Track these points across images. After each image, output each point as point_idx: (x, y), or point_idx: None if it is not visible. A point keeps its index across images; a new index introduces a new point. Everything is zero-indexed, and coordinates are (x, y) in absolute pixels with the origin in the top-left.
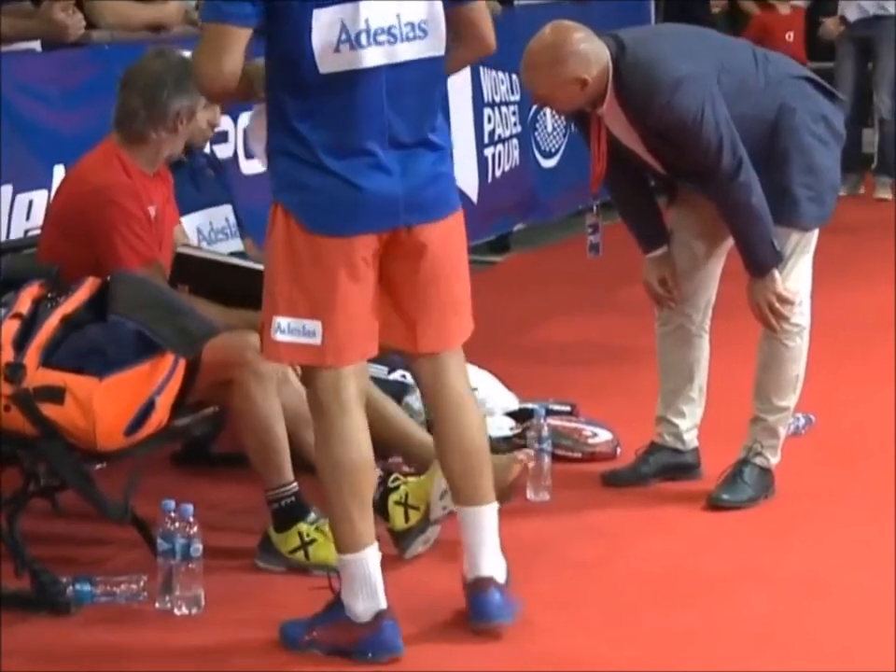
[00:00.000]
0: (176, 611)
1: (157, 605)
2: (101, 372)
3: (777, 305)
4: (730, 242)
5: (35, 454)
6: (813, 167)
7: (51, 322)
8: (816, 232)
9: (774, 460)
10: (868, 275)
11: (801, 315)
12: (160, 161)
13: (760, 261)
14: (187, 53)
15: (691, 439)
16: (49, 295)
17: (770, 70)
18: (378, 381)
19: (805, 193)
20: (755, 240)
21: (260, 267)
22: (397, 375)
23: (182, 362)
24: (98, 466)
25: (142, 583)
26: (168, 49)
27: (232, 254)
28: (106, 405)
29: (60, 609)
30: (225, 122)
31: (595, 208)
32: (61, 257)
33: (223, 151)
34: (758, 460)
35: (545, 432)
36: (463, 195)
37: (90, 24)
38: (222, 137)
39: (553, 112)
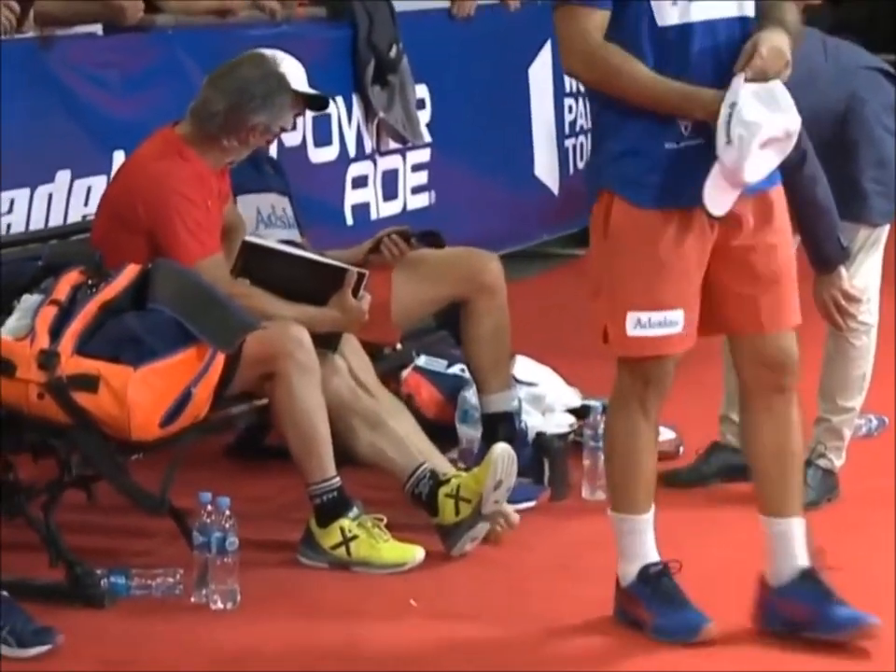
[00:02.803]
0: (212, 605)
1: (192, 598)
2: (136, 361)
3: (844, 303)
4: (796, 239)
5: (68, 443)
6: (883, 160)
7: (89, 309)
8: (886, 228)
9: (838, 462)
10: None
11: (868, 313)
12: (222, 164)
13: (826, 256)
14: (281, 58)
15: None
16: (90, 282)
17: (842, 59)
18: (437, 374)
19: (874, 187)
20: (821, 235)
21: (327, 261)
22: (456, 370)
23: (221, 354)
24: (135, 457)
25: (178, 576)
26: (268, 57)
27: (289, 243)
28: (141, 395)
29: (94, 602)
30: None
31: None
32: (114, 244)
33: (291, 139)
34: (821, 462)
35: (601, 429)
36: (543, 187)
37: (153, 9)
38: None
39: None
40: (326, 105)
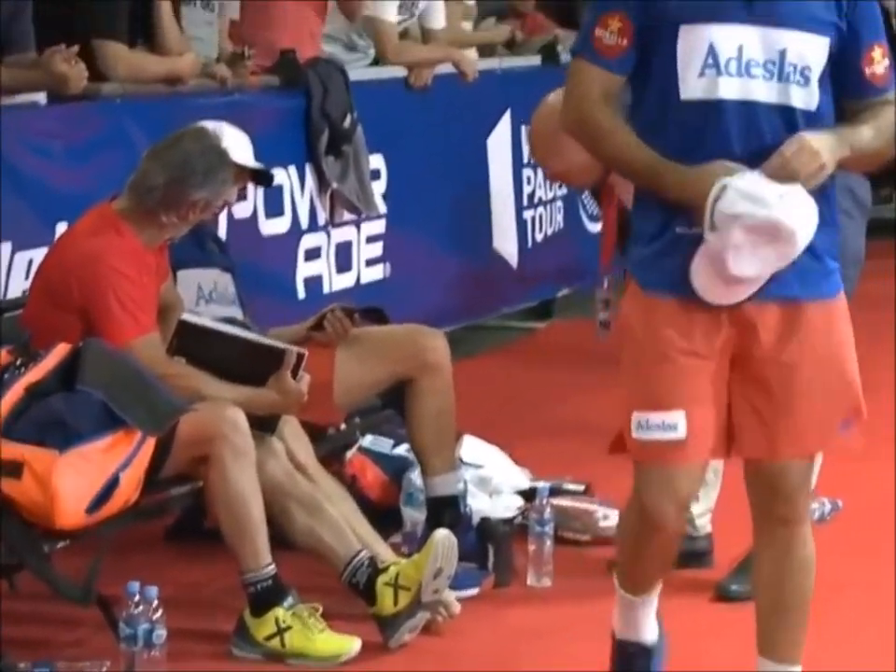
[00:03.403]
0: None
1: None
2: (62, 446)
3: None
4: None
5: None
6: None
7: (15, 391)
8: None
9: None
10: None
11: None
12: (160, 241)
13: None
14: (225, 131)
15: (704, 524)
16: (18, 362)
17: None
18: (382, 455)
19: None
20: None
21: (265, 340)
22: (401, 450)
23: (150, 437)
24: (61, 544)
25: (104, 669)
26: (210, 131)
27: (229, 320)
28: (66, 480)
29: None
30: None
31: (605, 283)
32: (46, 321)
33: (242, 210)
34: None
35: (547, 514)
36: (502, 259)
37: (99, 76)
38: (241, 196)
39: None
40: (271, 180)
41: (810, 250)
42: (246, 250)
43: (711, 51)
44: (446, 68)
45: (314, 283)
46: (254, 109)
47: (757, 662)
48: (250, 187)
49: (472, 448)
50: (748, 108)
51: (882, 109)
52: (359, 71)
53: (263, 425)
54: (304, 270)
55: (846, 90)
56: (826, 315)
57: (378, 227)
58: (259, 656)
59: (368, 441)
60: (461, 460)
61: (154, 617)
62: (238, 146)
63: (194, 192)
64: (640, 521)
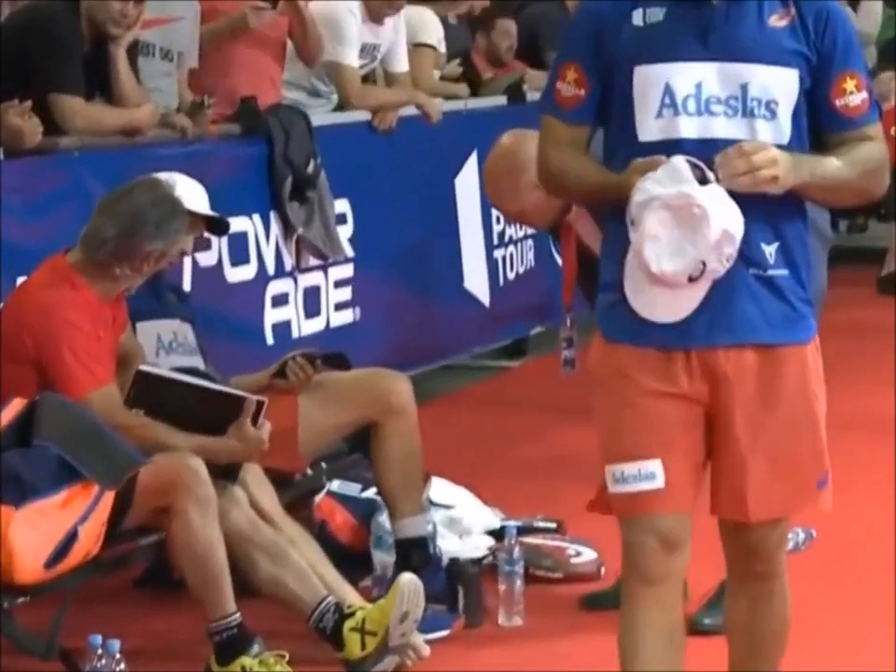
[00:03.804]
0: None
1: None
2: (18, 501)
3: None
4: None
5: None
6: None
7: None
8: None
9: None
10: (869, 378)
11: None
12: (115, 293)
13: None
14: (177, 181)
15: None
16: None
17: None
18: (350, 499)
19: None
20: None
21: (224, 389)
22: (370, 493)
23: (109, 490)
24: (21, 600)
25: None
26: (162, 181)
27: (189, 370)
28: (23, 536)
29: None
30: None
31: (568, 321)
32: (2, 376)
33: (206, 259)
34: None
35: (516, 553)
36: (474, 299)
37: (56, 129)
38: (205, 244)
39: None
40: (227, 228)
41: (778, 294)
42: (212, 298)
43: (668, 91)
44: (411, 110)
45: (282, 328)
46: (215, 158)
47: None
48: (214, 236)
49: (442, 489)
50: (708, 146)
51: (857, 144)
52: (323, 115)
53: (225, 473)
54: (272, 316)
55: (820, 123)
56: (800, 364)
57: (346, 271)
58: None
59: (336, 485)
60: (430, 501)
61: (117, 669)
62: (192, 194)
63: (147, 244)
64: (633, 579)
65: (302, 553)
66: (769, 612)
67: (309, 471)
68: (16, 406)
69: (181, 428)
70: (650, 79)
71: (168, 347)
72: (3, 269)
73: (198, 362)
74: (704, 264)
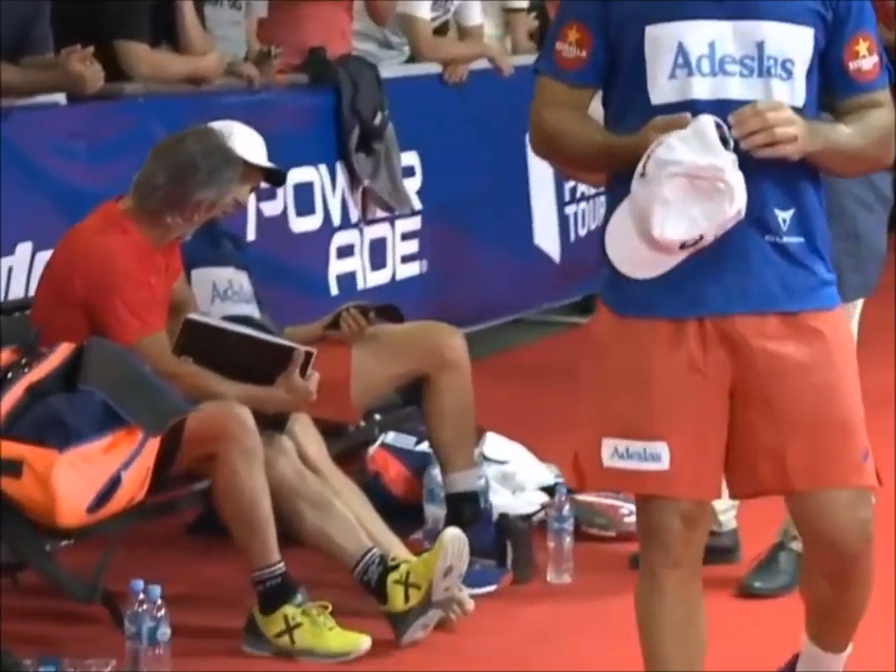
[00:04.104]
0: None
1: None
2: (62, 445)
3: None
4: None
5: None
6: (855, 233)
7: (16, 391)
8: (859, 303)
9: None
10: None
11: None
12: (167, 240)
13: None
14: (234, 131)
15: (728, 520)
16: (23, 361)
17: None
18: (405, 452)
19: (846, 261)
20: None
21: (273, 339)
22: (425, 446)
23: (156, 436)
24: (64, 543)
25: (109, 668)
26: (215, 130)
27: (244, 318)
28: (67, 480)
29: None
30: None
31: None
32: (53, 319)
33: (271, 209)
34: (794, 545)
35: (566, 510)
36: (544, 255)
37: (122, 76)
38: (270, 194)
39: None
40: (284, 179)
41: (794, 261)
42: (277, 248)
43: (681, 50)
44: (482, 64)
45: (347, 280)
46: (282, 107)
47: (802, 642)
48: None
49: (496, 444)
50: (722, 107)
51: (869, 110)
52: (394, 67)
53: (273, 423)
54: (337, 267)
55: (831, 87)
56: (831, 329)
57: (413, 223)
58: (269, 654)
59: (391, 437)
60: (484, 456)
61: (158, 615)
62: (249, 144)
63: (198, 193)
64: (642, 590)
65: (349, 505)
66: (853, 591)
67: (362, 423)
68: (64, 350)
69: (229, 377)
70: (661, 39)
71: (223, 295)
72: (66, 213)
73: (253, 311)
74: (702, 237)
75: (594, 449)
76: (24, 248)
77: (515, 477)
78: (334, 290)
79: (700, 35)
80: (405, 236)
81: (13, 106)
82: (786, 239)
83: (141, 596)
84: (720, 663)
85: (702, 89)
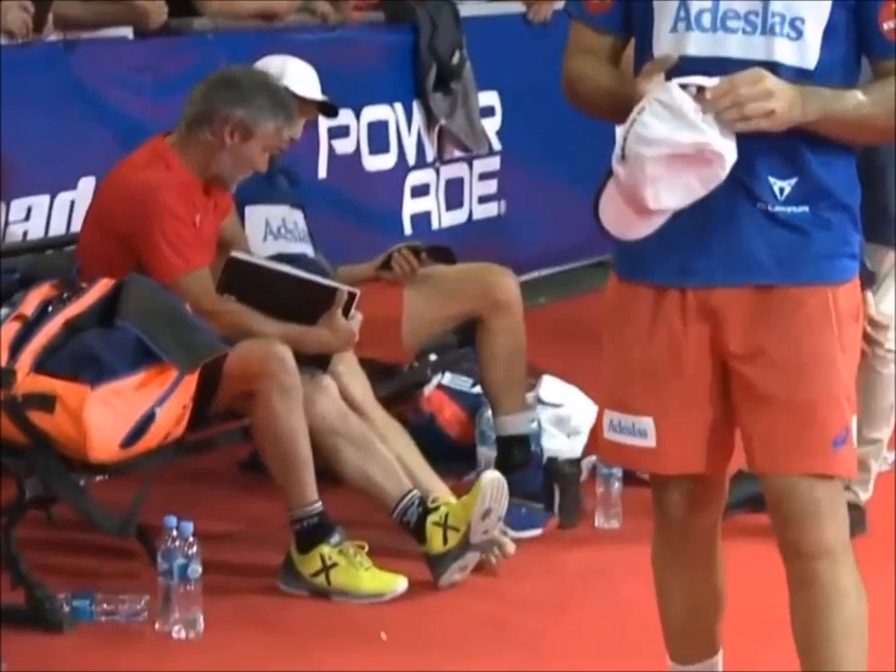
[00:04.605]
0: (174, 634)
1: (156, 626)
2: (94, 380)
3: (870, 330)
4: None
5: (26, 464)
6: None
7: (53, 325)
8: None
9: (864, 496)
10: None
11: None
12: (208, 170)
13: None
14: (288, 63)
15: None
16: (64, 295)
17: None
18: (461, 393)
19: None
20: None
21: (316, 279)
22: (480, 388)
23: (194, 372)
24: (99, 478)
25: (143, 603)
26: (271, 70)
27: (294, 257)
28: (99, 415)
29: (53, 627)
30: (346, 116)
31: None
32: (96, 253)
33: (344, 146)
34: (846, 495)
35: None
36: None
37: (191, 11)
38: (343, 131)
39: None
40: (336, 113)
41: (792, 230)
42: (349, 186)
43: (683, 3)
44: None
45: (421, 219)
46: (357, 45)
47: None
48: (353, 122)
49: (552, 387)
50: (718, 66)
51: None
52: (475, 6)
53: (316, 362)
54: (411, 206)
55: (866, 48)
56: (819, 307)
57: (492, 164)
58: (305, 592)
59: (447, 378)
60: (539, 399)
61: (190, 552)
62: (302, 78)
63: (225, 107)
64: (655, 556)
65: (392, 446)
66: (821, 604)
67: (415, 364)
68: (103, 286)
69: (272, 316)
70: None
71: (276, 233)
72: (130, 149)
73: (307, 249)
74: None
75: (600, 418)
76: (87, 183)
77: (570, 420)
78: (408, 230)
79: None
80: (483, 176)
81: (79, 39)
82: (781, 208)
83: (174, 533)
84: (757, 611)
85: (698, 44)
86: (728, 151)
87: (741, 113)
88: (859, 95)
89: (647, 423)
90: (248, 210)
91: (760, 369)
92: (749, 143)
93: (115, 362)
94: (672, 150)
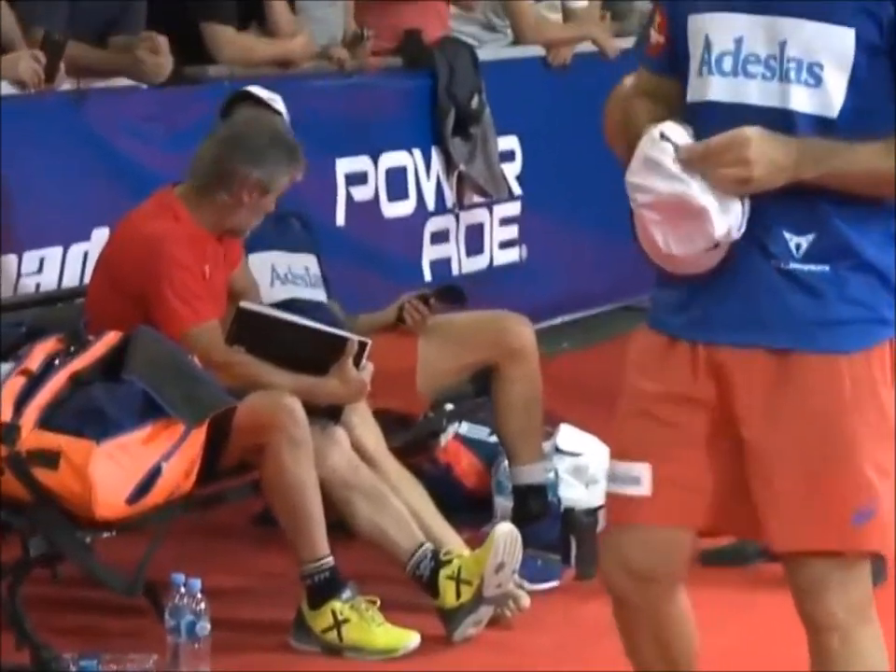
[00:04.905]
0: None
1: None
2: (100, 436)
3: None
4: None
5: (30, 521)
6: None
7: (58, 380)
8: None
9: None
10: None
11: None
12: (222, 226)
13: None
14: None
15: None
16: (71, 349)
17: None
18: (478, 443)
19: None
20: None
21: (326, 328)
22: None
23: (201, 427)
24: (106, 534)
25: (151, 662)
26: (274, 115)
27: (305, 303)
28: (104, 471)
29: None
30: (364, 162)
31: None
32: (104, 306)
33: (362, 193)
34: None
35: None
36: None
37: (207, 59)
38: (361, 178)
39: None
40: None
41: (809, 292)
42: (367, 233)
43: (707, 45)
44: (586, 46)
45: (441, 265)
46: (375, 91)
47: None
48: (371, 169)
49: (570, 436)
50: (738, 113)
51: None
52: (494, 51)
53: (328, 413)
54: (431, 253)
55: None
56: (832, 377)
57: (513, 209)
58: (317, 649)
59: (464, 428)
60: (557, 448)
61: (198, 608)
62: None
63: (242, 168)
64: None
65: (405, 497)
66: None
67: (430, 413)
68: (111, 339)
69: (283, 367)
70: (696, 31)
71: (284, 278)
72: (142, 198)
73: (319, 295)
74: (716, 244)
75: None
76: (100, 234)
77: (588, 470)
78: (428, 276)
79: (726, 29)
80: (504, 221)
81: (92, 89)
82: (797, 266)
83: (182, 590)
84: (777, 663)
85: (719, 90)
86: (713, 206)
87: (715, 177)
88: (875, 148)
89: (642, 470)
90: (252, 257)
91: (768, 437)
92: (763, 195)
93: (121, 416)
94: (655, 198)
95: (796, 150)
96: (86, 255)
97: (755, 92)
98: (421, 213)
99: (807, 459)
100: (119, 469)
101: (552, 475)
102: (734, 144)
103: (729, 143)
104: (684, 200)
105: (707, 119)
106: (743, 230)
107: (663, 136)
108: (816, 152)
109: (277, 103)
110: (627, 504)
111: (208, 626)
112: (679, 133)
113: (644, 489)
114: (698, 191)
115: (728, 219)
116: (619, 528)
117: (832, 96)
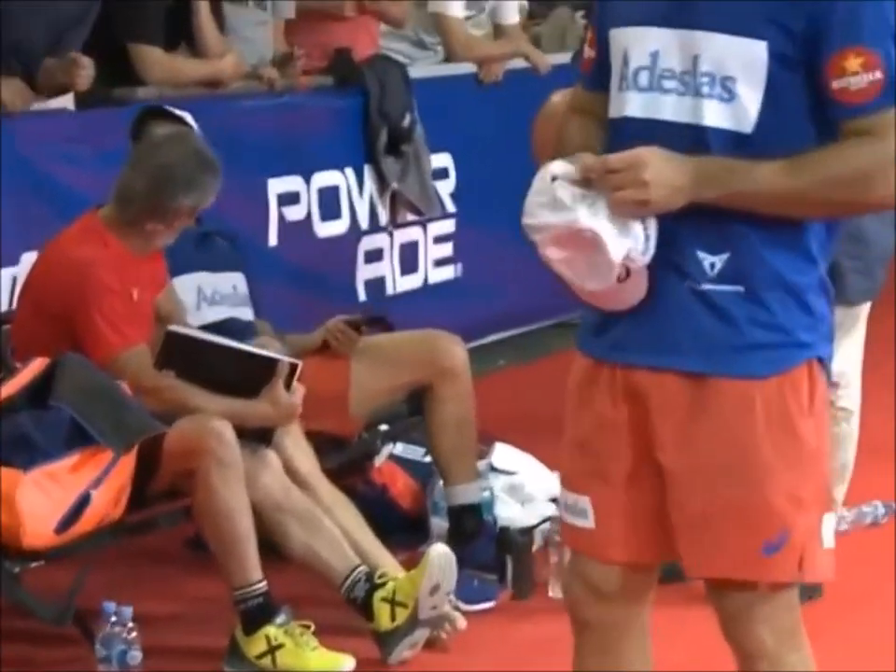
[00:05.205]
0: None
1: None
2: (27, 464)
3: None
4: None
5: None
6: (861, 236)
7: None
8: (865, 307)
9: None
10: None
11: (847, 398)
12: (149, 250)
13: None
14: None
15: None
16: None
17: None
18: (413, 463)
19: (850, 264)
20: None
21: (256, 350)
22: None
23: (130, 453)
24: (35, 564)
25: None
26: (194, 134)
27: (231, 322)
28: (32, 500)
29: None
30: (296, 182)
31: None
32: (31, 333)
33: (295, 213)
34: None
35: None
36: None
37: (136, 80)
38: (294, 198)
39: None
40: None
41: (720, 314)
42: (301, 253)
43: (625, 60)
44: (518, 63)
45: (376, 285)
46: (306, 110)
47: None
48: (303, 189)
49: (505, 455)
50: (652, 128)
51: (847, 141)
52: (425, 68)
53: (259, 437)
54: (365, 272)
55: (822, 110)
56: (743, 403)
57: (447, 227)
58: None
59: (399, 448)
60: (492, 467)
61: (129, 637)
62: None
63: (177, 200)
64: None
65: (339, 520)
66: None
67: (364, 434)
68: (37, 366)
69: (213, 391)
70: (617, 46)
71: (211, 299)
72: (71, 222)
73: (247, 314)
74: (627, 270)
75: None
76: (29, 258)
77: (524, 488)
78: (362, 296)
79: (644, 43)
80: (438, 239)
81: (18, 112)
82: (710, 286)
83: (113, 618)
84: None
85: (634, 105)
86: (604, 229)
87: (613, 200)
88: (777, 168)
89: (585, 503)
90: (178, 280)
91: (681, 463)
92: (677, 214)
93: (48, 444)
94: (551, 234)
95: (693, 170)
96: (14, 280)
97: (669, 108)
98: (354, 232)
99: (718, 487)
100: (47, 498)
101: (487, 494)
102: (631, 165)
103: (626, 164)
104: (573, 227)
105: (625, 135)
106: (651, 252)
107: (554, 178)
108: (715, 172)
109: (187, 116)
110: (579, 535)
111: (139, 655)
112: (569, 171)
113: (590, 522)
114: (586, 216)
115: (626, 242)
116: (577, 555)
117: (746, 111)
